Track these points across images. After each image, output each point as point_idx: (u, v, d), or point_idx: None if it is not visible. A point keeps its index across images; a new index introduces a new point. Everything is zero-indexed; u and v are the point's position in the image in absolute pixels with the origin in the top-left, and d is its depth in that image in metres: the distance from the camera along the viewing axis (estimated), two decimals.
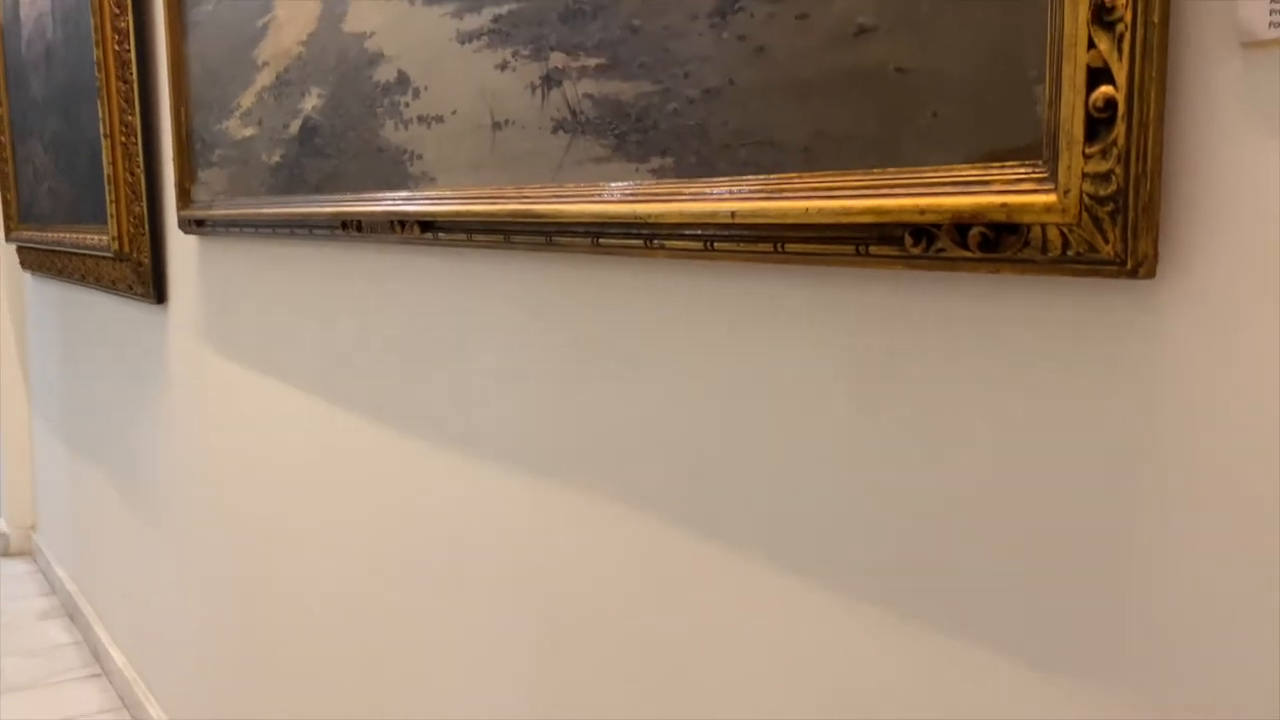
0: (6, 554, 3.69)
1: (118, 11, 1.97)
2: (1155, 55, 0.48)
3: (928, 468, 0.63)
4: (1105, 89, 0.49)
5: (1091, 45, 0.49)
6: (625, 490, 0.89)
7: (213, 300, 1.82)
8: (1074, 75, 0.50)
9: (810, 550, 0.71)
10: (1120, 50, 0.48)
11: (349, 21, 1.23)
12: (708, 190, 0.73)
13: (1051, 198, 0.51)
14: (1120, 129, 0.49)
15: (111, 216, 2.03)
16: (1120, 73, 0.48)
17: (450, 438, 1.15)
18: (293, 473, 1.56)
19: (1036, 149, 0.53)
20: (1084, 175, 0.50)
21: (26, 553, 3.70)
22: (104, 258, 2.20)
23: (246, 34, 1.51)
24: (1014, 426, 0.58)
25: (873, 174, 0.62)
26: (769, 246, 0.68)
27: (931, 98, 0.59)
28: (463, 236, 1.03)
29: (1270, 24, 0.46)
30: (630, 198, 0.80)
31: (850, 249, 0.63)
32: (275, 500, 1.63)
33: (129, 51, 1.95)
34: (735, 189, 0.71)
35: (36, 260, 3.03)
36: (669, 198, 0.76)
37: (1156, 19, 0.48)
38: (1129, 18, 0.48)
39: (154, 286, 2.02)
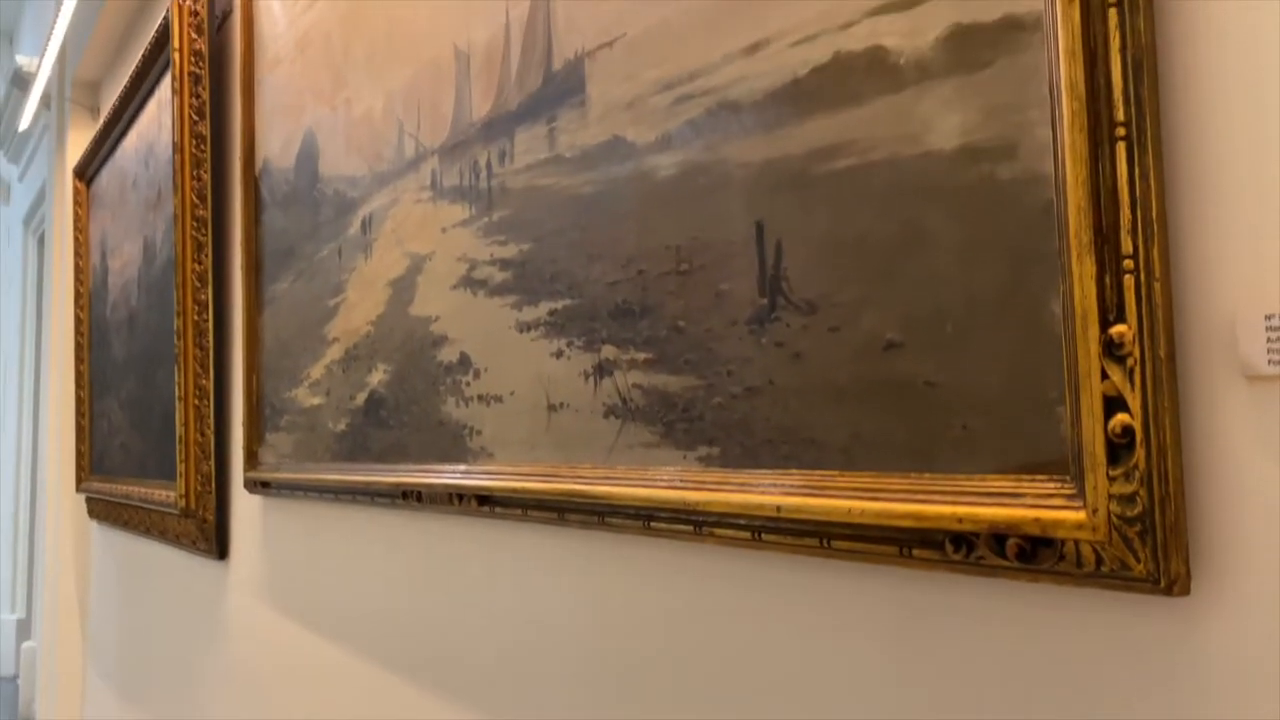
0: None
1: (199, 285, 2.13)
2: (1166, 386, 0.52)
3: None
4: (1122, 417, 0.52)
5: (1105, 376, 0.53)
6: None
7: (274, 559, 1.86)
8: (1091, 403, 0.53)
9: None
10: (1132, 382, 0.52)
11: (416, 306, 1.32)
12: (753, 482, 0.77)
13: (1081, 515, 0.54)
14: (1140, 454, 0.52)
15: (181, 475, 2.11)
16: (1134, 402, 0.52)
17: (501, 704, 1.14)
18: None
19: (1064, 465, 0.56)
20: (1110, 496, 0.53)
21: None
22: (170, 513, 2.27)
23: (318, 312, 1.62)
24: None
25: (910, 478, 0.65)
26: (815, 542, 0.71)
27: (961, 411, 0.63)
28: (518, 511, 1.07)
29: (1269, 360, 0.50)
30: (679, 485, 0.84)
31: (894, 550, 0.65)
32: None
33: (207, 322, 2.09)
34: (779, 483, 0.74)
35: (104, 511, 3.13)
36: (716, 486, 0.80)
37: (1163, 354, 0.52)
38: (1137, 352, 0.52)
39: (217, 543, 2.07)
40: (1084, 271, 0.54)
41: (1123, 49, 0.53)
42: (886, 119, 0.68)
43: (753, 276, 0.79)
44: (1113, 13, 0.54)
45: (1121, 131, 0.53)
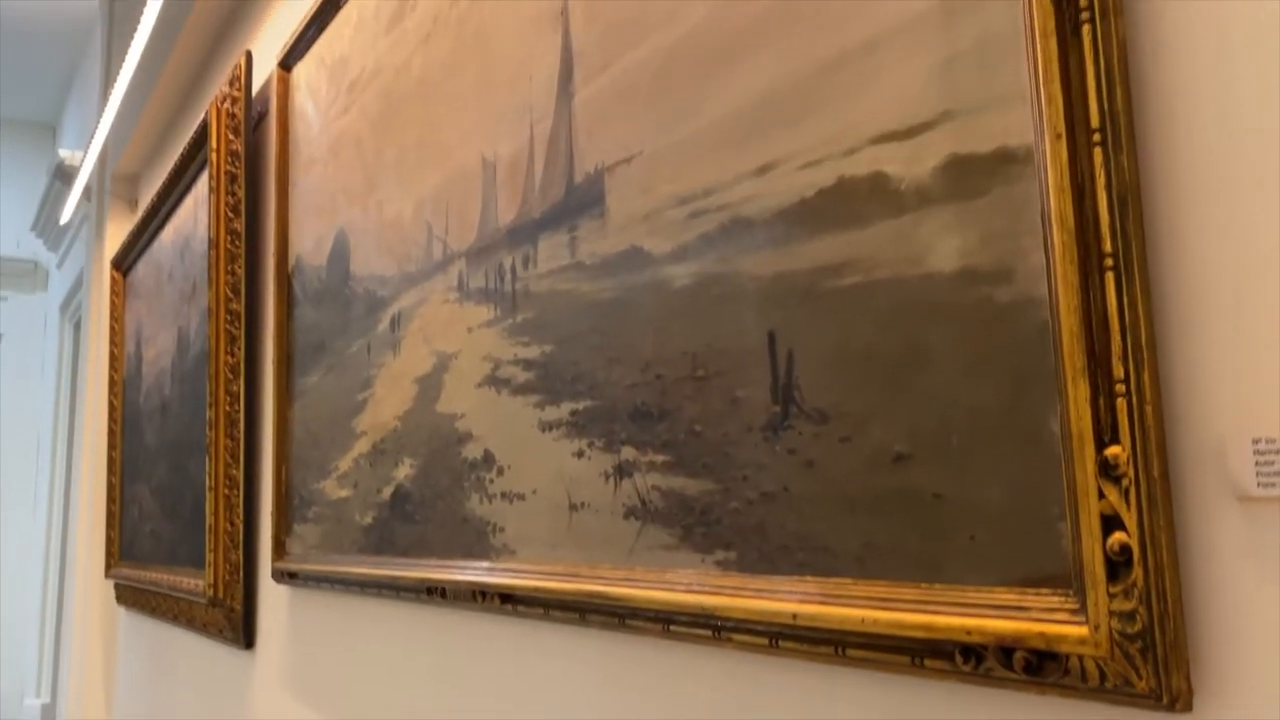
0: None
1: (231, 377, 2.18)
2: (1161, 506, 0.54)
3: None
4: (1119, 535, 0.54)
5: (1102, 496, 0.55)
6: None
7: (299, 649, 1.87)
8: (1089, 522, 0.56)
9: None
10: (1128, 501, 0.54)
11: (442, 403, 1.36)
12: (770, 589, 0.78)
13: (1084, 630, 0.56)
14: (1138, 572, 0.54)
15: (209, 564, 2.14)
16: (1130, 521, 0.54)
17: None
18: None
19: (1066, 579, 0.58)
20: (1111, 613, 0.54)
21: None
22: (198, 601, 2.30)
23: (347, 405, 1.66)
24: None
25: (921, 588, 0.67)
26: (831, 650, 0.73)
27: (968, 523, 0.65)
28: (540, 611, 1.08)
29: (1259, 483, 0.52)
30: (698, 589, 0.86)
31: (906, 659, 0.67)
32: None
33: (239, 413, 2.13)
34: (796, 590, 0.76)
35: (132, 597, 3.15)
36: (734, 592, 0.82)
37: (1157, 474, 0.54)
38: (1132, 473, 0.54)
39: (244, 633, 2.09)
40: (1078, 394, 0.56)
41: (1108, 185, 0.57)
42: (889, 240, 0.71)
43: (766, 385, 0.82)
44: (1098, 151, 0.57)
45: (1110, 262, 0.56)
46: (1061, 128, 0.58)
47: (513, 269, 1.21)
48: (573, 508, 1.07)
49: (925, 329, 0.69)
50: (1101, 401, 0.56)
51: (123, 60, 3.40)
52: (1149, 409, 0.55)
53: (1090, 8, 0.58)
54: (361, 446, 1.60)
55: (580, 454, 1.06)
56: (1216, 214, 0.55)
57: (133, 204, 3.85)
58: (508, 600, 1.14)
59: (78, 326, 5.35)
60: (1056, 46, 0.59)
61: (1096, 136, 0.57)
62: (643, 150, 0.99)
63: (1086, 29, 0.58)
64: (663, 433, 0.94)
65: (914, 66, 0.70)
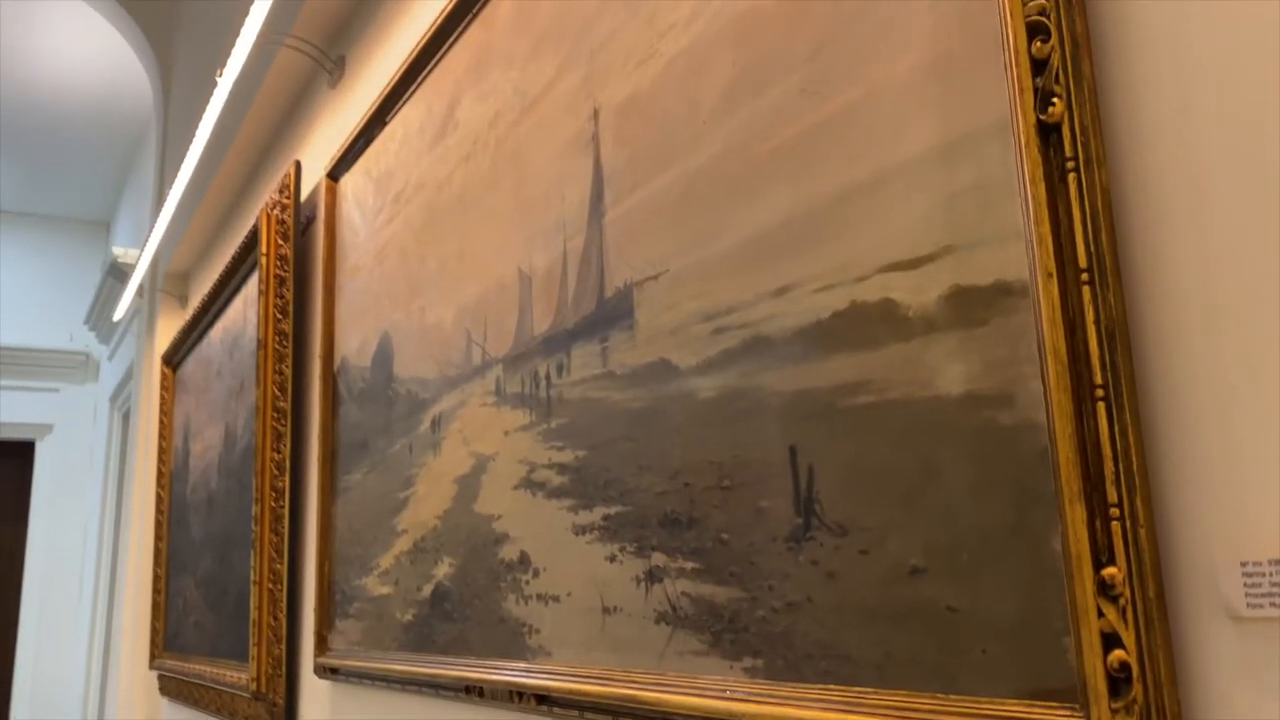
0: None
1: (277, 473, 2.24)
2: (1158, 625, 0.57)
3: None
4: (1118, 653, 0.57)
5: (1101, 614, 0.58)
6: None
7: None
8: (1090, 639, 0.59)
9: None
10: (1125, 620, 0.57)
11: (480, 503, 1.41)
12: (796, 696, 0.81)
13: None
14: (1138, 689, 0.56)
15: (253, 658, 2.18)
16: (1129, 639, 0.57)
17: None
18: None
19: (1072, 693, 0.61)
20: None
21: None
22: (240, 695, 2.33)
23: (389, 503, 1.71)
24: None
25: (937, 699, 0.70)
26: None
27: (980, 636, 0.68)
28: (575, 713, 1.11)
29: (1248, 604, 0.55)
30: (728, 696, 0.89)
31: None
32: None
33: (284, 508, 2.19)
34: (820, 698, 0.79)
35: (175, 688, 3.19)
36: (762, 699, 0.85)
37: (1153, 594, 0.57)
38: (1128, 593, 0.58)
39: None
40: (1075, 517, 0.60)
41: (1097, 320, 0.61)
42: (900, 363, 0.76)
43: (789, 496, 0.86)
44: (1086, 289, 0.62)
45: (1100, 393, 0.60)
46: (1052, 267, 0.63)
47: (547, 376, 1.27)
48: (606, 611, 1.10)
49: (935, 448, 0.73)
50: (1098, 524, 0.59)
51: (176, 162, 3.56)
52: (1142, 532, 0.58)
53: (1075, 158, 0.63)
54: (403, 544, 1.65)
55: (612, 558, 1.10)
56: (1201, 346, 0.59)
57: (182, 300, 3.99)
58: (544, 701, 1.17)
59: (126, 417, 5.48)
60: (1045, 193, 0.64)
61: (1085, 275, 0.62)
62: (669, 268, 1.05)
63: (1072, 177, 0.63)
64: (691, 540, 0.98)
65: (917, 202, 0.76)
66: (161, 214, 3.33)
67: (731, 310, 0.95)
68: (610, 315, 1.15)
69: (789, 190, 0.89)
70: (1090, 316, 0.61)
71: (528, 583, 1.26)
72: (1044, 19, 0.66)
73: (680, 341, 1.02)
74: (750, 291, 0.93)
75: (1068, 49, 0.65)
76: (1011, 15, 0.67)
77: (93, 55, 5.15)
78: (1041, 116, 0.65)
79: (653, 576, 1.03)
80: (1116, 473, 0.59)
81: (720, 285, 0.97)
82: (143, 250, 3.72)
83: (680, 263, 1.03)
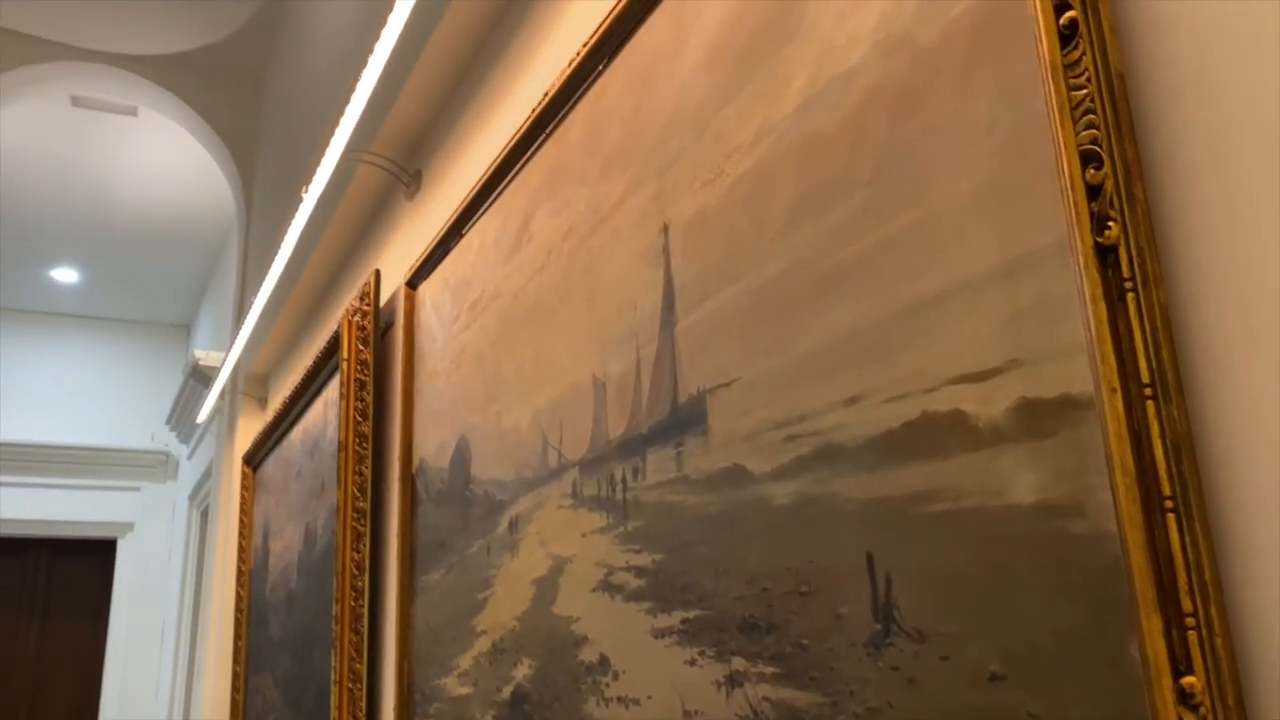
0: None
1: (356, 573, 2.30)
2: None
3: None
4: None
5: None
6: None
7: None
8: None
9: None
10: None
11: (559, 605, 1.44)
12: None
13: None
14: None
15: None
16: None
17: None
18: None
19: None
20: None
21: None
22: None
23: (468, 604, 1.75)
24: None
25: None
26: None
27: None
28: None
29: None
30: None
31: None
32: None
33: (363, 608, 2.24)
34: None
35: None
36: None
37: (1233, 703, 0.59)
38: (1208, 702, 0.59)
39: None
40: (1152, 626, 0.62)
41: (1162, 434, 0.63)
42: (972, 472, 0.79)
43: (867, 602, 0.88)
44: (1150, 403, 0.64)
45: (1169, 504, 0.62)
46: (1116, 382, 0.66)
47: (623, 479, 1.31)
48: (687, 715, 1.12)
49: (1010, 556, 0.75)
50: (1174, 633, 0.61)
51: (257, 268, 3.72)
52: (1219, 641, 0.60)
53: (1133, 277, 0.66)
54: (482, 645, 1.68)
55: (692, 662, 1.12)
56: (1265, 456, 0.61)
57: (262, 402, 4.13)
58: None
59: (205, 515, 5.62)
60: (1105, 311, 0.67)
61: (1148, 390, 0.64)
62: (741, 376, 1.09)
63: (1131, 296, 0.66)
64: (771, 645, 1.00)
65: (982, 317, 0.79)
66: (245, 321, 3.47)
67: (803, 418, 0.99)
68: (684, 421, 1.19)
69: (855, 304, 0.93)
70: (1155, 430, 0.64)
71: (608, 685, 1.28)
72: (1096, 148, 0.70)
73: (754, 448, 1.05)
74: (821, 400, 0.96)
75: (1120, 175, 0.68)
76: (1065, 145, 0.71)
77: (177, 167, 5.43)
78: (1098, 239, 0.69)
79: (733, 681, 1.05)
80: (1190, 583, 0.61)
81: (791, 394, 1.01)
82: (226, 355, 3.87)
83: (751, 371, 1.07)
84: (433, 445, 2.04)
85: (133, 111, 4.92)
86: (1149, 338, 0.65)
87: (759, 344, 1.06)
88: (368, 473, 2.34)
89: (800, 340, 1.00)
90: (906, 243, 0.88)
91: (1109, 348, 0.66)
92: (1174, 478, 0.63)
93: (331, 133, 2.28)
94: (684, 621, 1.14)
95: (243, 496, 3.75)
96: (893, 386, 0.88)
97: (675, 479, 1.19)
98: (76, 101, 4.84)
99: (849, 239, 0.95)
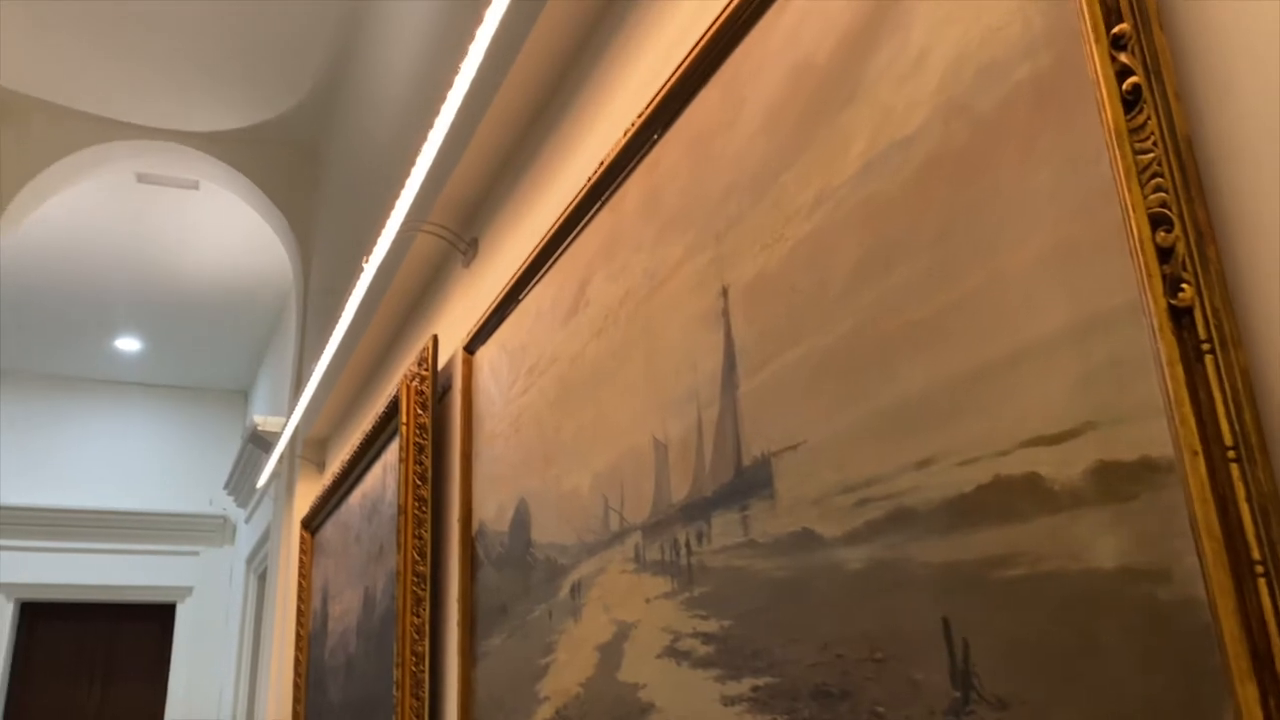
0: None
1: (417, 637, 2.30)
2: None
3: None
4: None
5: None
6: None
7: None
8: None
9: None
10: None
11: (624, 671, 1.43)
12: None
13: None
14: None
15: None
16: None
17: None
18: None
19: None
20: None
21: None
22: None
23: (530, 670, 1.75)
24: None
25: None
26: None
27: None
28: None
29: None
30: None
31: None
32: None
33: (424, 673, 2.24)
34: None
35: None
36: None
37: None
38: None
39: None
40: (1247, 694, 0.60)
41: (1248, 496, 0.63)
42: (1050, 536, 0.78)
43: (944, 669, 0.87)
44: (1234, 466, 0.63)
45: (1260, 569, 0.61)
46: (1197, 445, 0.65)
47: (687, 544, 1.31)
48: None
49: (1093, 621, 0.74)
50: (1271, 702, 0.60)
51: (315, 334, 3.80)
52: None
53: (1210, 339, 0.66)
54: (545, 712, 1.67)
55: None
56: None
57: (320, 466, 4.18)
58: None
59: (262, 579, 5.67)
60: (1183, 373, 0.67)
61: (1231, 453, 0.64)
62: (806, 439, 1.09)
63: (1209, 359, 0.66)
64: (846, 713, 0.98)
65: (1054, 379, 0.79)
66: (306, 388, 3.54)
67: (872, 482, 0.98)
68: (749, 484, 1.19)
69: (923, 366, 0.93)
70: (1241, 493, 0.63)
71: None
72: (1166, 210, 0.70)
73: (823, 512, 1.05)
74: (890, 463, 0.96)
75: (1192, 237, 0.69)
76: (1133, 208, 0.72)
77: (237, 237, 5.58)
78: (1172, 301, 0.68)
79: None
80: None
81: (860, 457, 1.00)
82: (286, 420, 3.93)
83: (818, 434, 1.07)
84: (492, 508, 2.05)
85: (195, 185, 5.08)
86: (1229, 400, 0.65)
87: (824, 406, 1.07)
88: (427, 536, 2.36)
89: (866, 403, 1.00)
90: (973, 305, 0.88)
91: (1188, 410, 0.66)
92: (1263, 541, 0.62)
93: (391, 204, 2.34)
94: (754, 689, 1.13)
95: (301, 560, 3.79)
96: (964, 449, 0.87)
97: (742, 543, 1.19)
98: (141, 178, 5.01)
99: (914, 302, 0.95)
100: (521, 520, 1.90)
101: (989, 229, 0.87)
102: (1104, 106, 0.75)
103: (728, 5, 1.30)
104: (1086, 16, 0.77)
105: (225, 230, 5.54)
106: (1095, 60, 0.75)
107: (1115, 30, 0.74)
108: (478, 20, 1.78)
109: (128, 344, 6.95)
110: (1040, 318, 0.81)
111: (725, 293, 1.28)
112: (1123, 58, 0.74)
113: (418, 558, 2.37)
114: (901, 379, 0.96)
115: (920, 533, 0.91)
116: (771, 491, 1.14)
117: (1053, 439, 0.79)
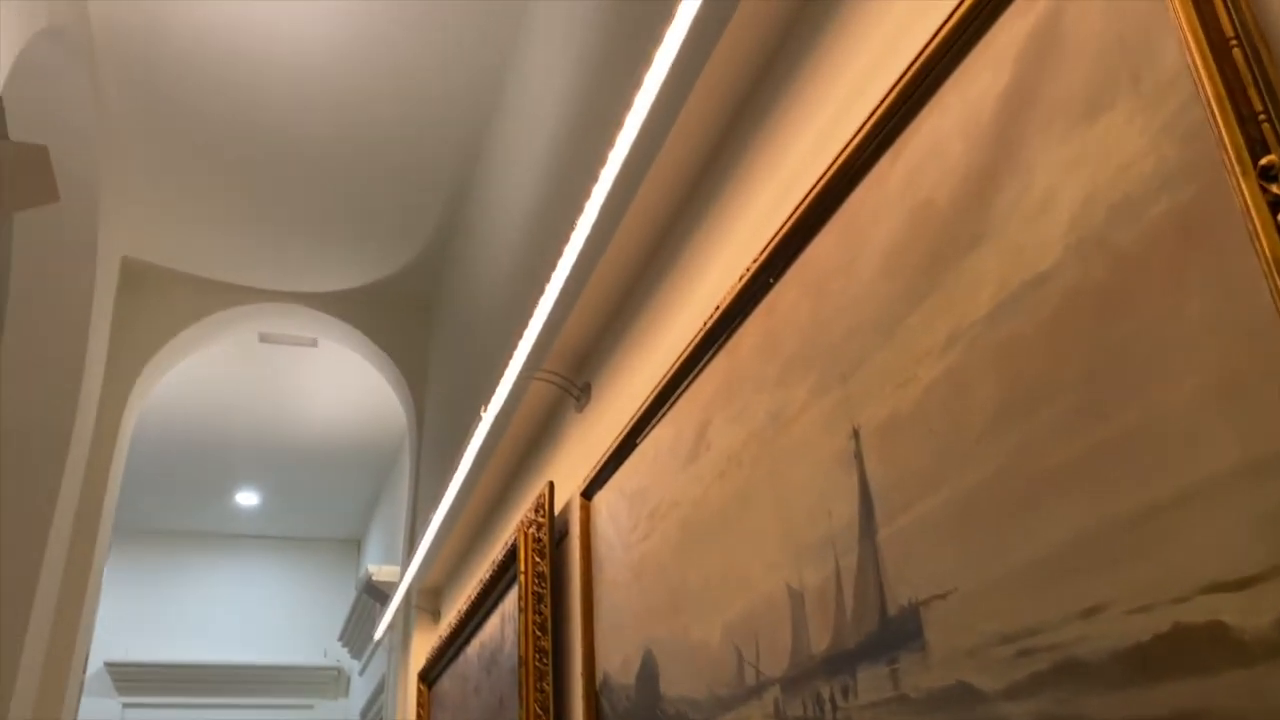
0: None
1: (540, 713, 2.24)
2: None
3: None
4: None
5: None
6: None
7: None
8: None
9: None
10: None
11: None
12: None
13: None
14: None
15: None
16: None
17: None
18: None
19: None
20: None
21: None
22: None
23: None
24: None
25: None
26: None
27: None
28: None
29: None
30: None
31: None
32: None
33: None
34: None
35: None
36: None
37: None
38: None
39: None
40: None
41: None
42: (1243, 691, 0.73)
43: None
44: None
45: None
46: None
47: (832, 699, 1.26)
48: None
49: None
50: None
51: (428, 483, 3.86)
52: None
53: None
54: None
55: None
56: None
57: (435, 615, 4.18)
58: None
59: None
60: None
61: None
62: (957, 587, 1.05)
63: None
64: None
65: (1230, 521, 0.75)
66: (424, 540, 3.58)
67: (1034, 632, 0.94)
68: (896, 635, 1.14)
69: (1078, 508, 0.90)
70: None
71: None
72: None
73: (981, 664, 1.00)
74: (1052, 612, 0.92)
75: None
76: None
77: (352, 391, 5.78)
78: None
79: None
80: None
81: (1017, 605, 0.96)
82: (402, 571, 3.97)
83: (969, 582, 1.03)
84: (616, 660, 2.02)
85: (313, 343, 5.31)
86: None
87: (974, 553, 1.03)
88: (549, 689, 2.32)
89: (1020, 548, 0.97)
90: (1129, 444, 0.85)
91: None
92: None
93: (509, 354, 2.40)
94: None
95: (419, 715, 3.75)
96: (1135, 596, 0.83)
97: (891, 698, 1.14)
98: (264, 338, 5.26)
99: (1062, 442, 0.93)
100: (649, 672, 1.86)
101: (1140, 365, 0.85)
102: (1258, 237, 0.73)
103: (843, 150, 1.33)
104: (1229, 148, 0.76)
105: (341, 384, 5.74)
106: (1244, 192, 0.74)
107: (1263, 161, 0.73)
108: (593, 179, 1.85)
109: (247, 498, 7.16)
110: (1206, 455, 0.78)
111: (856, 434, 1.27)
112: (1274, 189, 0.72)
113: (540, 711, 2.33)
114: (1055, 523, 0.93)
115: (1093, 686, 0.86)
116: (922, 643, 1.10)
117: (1237, 585, 0.74)
